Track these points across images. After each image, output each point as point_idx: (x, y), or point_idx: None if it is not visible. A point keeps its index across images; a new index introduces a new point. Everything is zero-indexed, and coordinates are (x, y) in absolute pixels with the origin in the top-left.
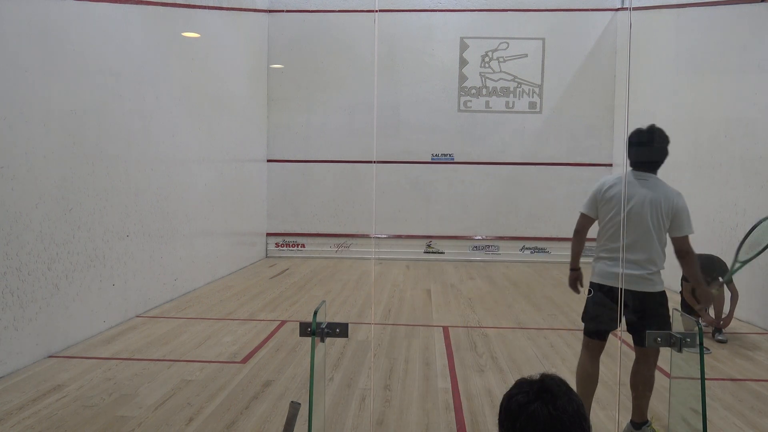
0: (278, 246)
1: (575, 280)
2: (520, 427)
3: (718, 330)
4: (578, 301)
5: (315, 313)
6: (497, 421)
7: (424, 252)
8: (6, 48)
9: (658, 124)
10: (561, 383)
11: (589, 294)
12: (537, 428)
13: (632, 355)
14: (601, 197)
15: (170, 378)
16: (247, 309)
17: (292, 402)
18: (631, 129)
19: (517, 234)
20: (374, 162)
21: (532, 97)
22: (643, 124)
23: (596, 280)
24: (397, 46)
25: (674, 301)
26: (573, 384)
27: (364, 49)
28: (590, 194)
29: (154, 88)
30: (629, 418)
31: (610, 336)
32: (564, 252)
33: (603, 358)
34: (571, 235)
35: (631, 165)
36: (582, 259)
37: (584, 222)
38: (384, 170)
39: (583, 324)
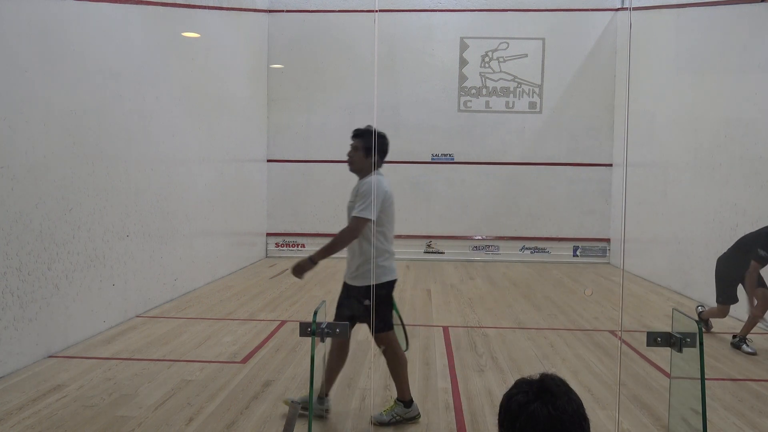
0: (278, 246)
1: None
2: (520, 427)
3: (743, 341)
4: (578, 301)
5: (315, 313)
6: (497, 421)
7: (424, 252)
8: (6, 48)
9: (658, 124)
10: (561, 383)
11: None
12: (537, 428)
13: (632, 354)
14: (386, 201)
15: (170, 378)
16: (247, 309)
17: (292, 402)
18: (632, 129)
19: (517, 234)
20: (374, 162)
21: (532, 97)
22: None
23: (392, 277)
24: (397, 46)
25: (674, 302)
26: (573, 383)
27: (364, 49)
28: (371, 200)
29: (154, 88)
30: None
31: (610, 336)
32: (565, 252)
33: (602, 357)
34: (570, 234)
35: (378, 165)
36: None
37: (365, 225)
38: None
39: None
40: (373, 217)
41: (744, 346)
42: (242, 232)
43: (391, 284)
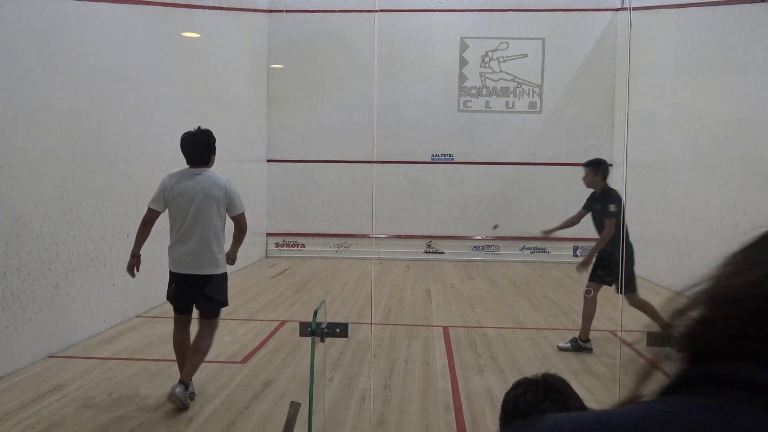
0: (278, 246)
1: (134, 266)
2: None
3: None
4: (579, 301)
5: (315, 313)
6: (498, 421)
7: (424, 252)
8: (6, 48)
9: (658, 124)
10: (566, 383)
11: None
12: None
13: (632, 354)
14: (167, 192)
15: (170, 378)
16: (247, 309)
17: (292, 402)
18: (632, 129)
19: (517, 234)
20: (374, 162)
21: (532, 97)
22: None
23: (170, 269)
24: (397, 46)
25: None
26: (573, 383)
27: (364, 49)
28: (157, 190)
29: (154, 88)
30: None
31: (609, 335)
32: (565, 252)
33: (602, 357)
34: (570, 234)
35: (188, 163)
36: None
37: (153, 216)
38: (384, 170)
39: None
40: (153, 205)
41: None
42: None
43: (170, 275)
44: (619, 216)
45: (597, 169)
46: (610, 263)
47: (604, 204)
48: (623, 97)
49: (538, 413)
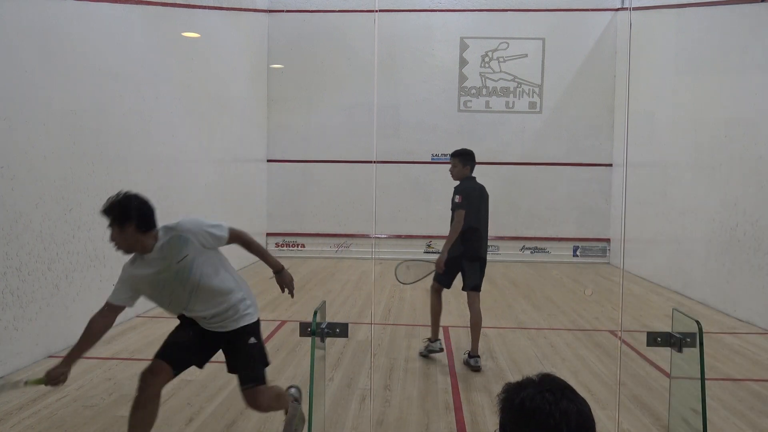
0: (278, 246)
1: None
2: (554, 424)
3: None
4: (578, 301)
5: (315, 313)
6: (498, 422)
7: (424, 252)
8: (6, 48)
9: (658, 124)
10: (566, 382)
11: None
12: (570, 425)
13: (632, 354)
14: None
15: None
16: None
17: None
18: (632, 129)
19: (517, 234)
20: (374, 162)
21: (532, 97)
22: None
23: None
24: (397, 46)
25: (674, 302)
26: (573, 383)
27: (364, 49)
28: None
29: (154, 88)
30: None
31: (610, 335)
32: (565, 252)
33: (603, 357)
34: (570, 234)
35: None
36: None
37: None
38: (384, 170)
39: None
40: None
41: (471, 360)
42: None
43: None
44: (465, 207)
45: (466, 159)
46: (450, 264)
47: (453, 195)
48: (623, 97)
49: (559, 411)
